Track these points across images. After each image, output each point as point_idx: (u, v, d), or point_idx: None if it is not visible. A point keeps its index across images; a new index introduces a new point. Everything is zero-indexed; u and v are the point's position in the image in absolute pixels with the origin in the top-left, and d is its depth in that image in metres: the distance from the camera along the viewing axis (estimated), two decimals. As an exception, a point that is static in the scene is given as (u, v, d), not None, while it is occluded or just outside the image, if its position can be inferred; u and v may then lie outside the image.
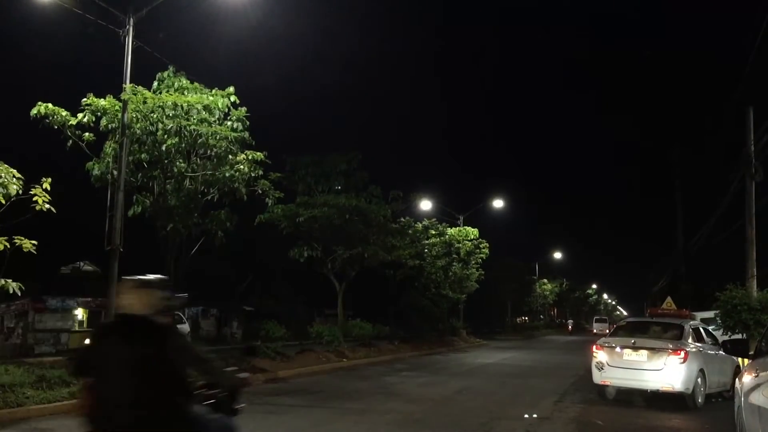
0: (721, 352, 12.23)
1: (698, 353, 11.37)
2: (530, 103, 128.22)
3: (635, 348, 11.41)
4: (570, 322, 71.77)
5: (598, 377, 11.84)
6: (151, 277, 3.49)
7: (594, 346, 12.15)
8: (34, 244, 9.09)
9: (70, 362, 4.14)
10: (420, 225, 29.65)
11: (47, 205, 9.28)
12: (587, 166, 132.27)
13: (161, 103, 13.35)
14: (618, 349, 11.57)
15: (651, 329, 12.36)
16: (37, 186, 9.24)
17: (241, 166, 14.17)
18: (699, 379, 11.18)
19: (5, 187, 8.75)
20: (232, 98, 14.20)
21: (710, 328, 19.40)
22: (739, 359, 13.43)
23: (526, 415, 10.17)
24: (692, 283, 28.92)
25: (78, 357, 3.66)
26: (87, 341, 3.55)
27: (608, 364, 11.58)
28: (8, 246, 8.92)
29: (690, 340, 11.54)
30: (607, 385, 11.87)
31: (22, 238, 9.08)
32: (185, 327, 24.17)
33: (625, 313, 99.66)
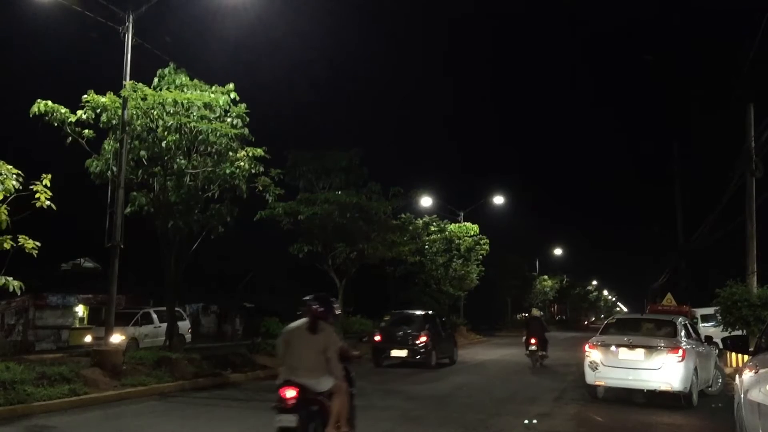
0: (703, 347, 12.11)
1: (692, 351, 11.04)
2: (532, 99, 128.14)
3: (631, 346, 11.00)
4: (586, 319, 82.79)
5: (591, 377, 11.34)
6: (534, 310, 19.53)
7: (586, 345, 11.61)
8: (36, 245, 9.04)
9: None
10: (420, 221, 29.63)
11: (48, 202, 9.25)
12: (588, 163, 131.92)
13: (161, 100, 13.33)
14: (613, 348, 11.08)
15: (643, 327, 12.03)
16: (37, 182, 9.19)
17: (242, 163, 14.15)
18: (694, 377, 10.89)
19: (4, 183, 8.72)
20: (232, 95, 14.16)
21: (710, 324, 19.59)
22: (717, 354, 13.42)
23: (526, 413, 10.14)
24: (692, 280, 28.90)
25: (526, 321, 19.84)
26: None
27: (603, 364, 11.08)
28: (14, 245, 8.90)
29: (684, 338, 11.24)
30: (600, 386, 11.41)
31: (26, 237, 9.03)
32: (185, 324, 24.17)
33: (625, 309, 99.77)
